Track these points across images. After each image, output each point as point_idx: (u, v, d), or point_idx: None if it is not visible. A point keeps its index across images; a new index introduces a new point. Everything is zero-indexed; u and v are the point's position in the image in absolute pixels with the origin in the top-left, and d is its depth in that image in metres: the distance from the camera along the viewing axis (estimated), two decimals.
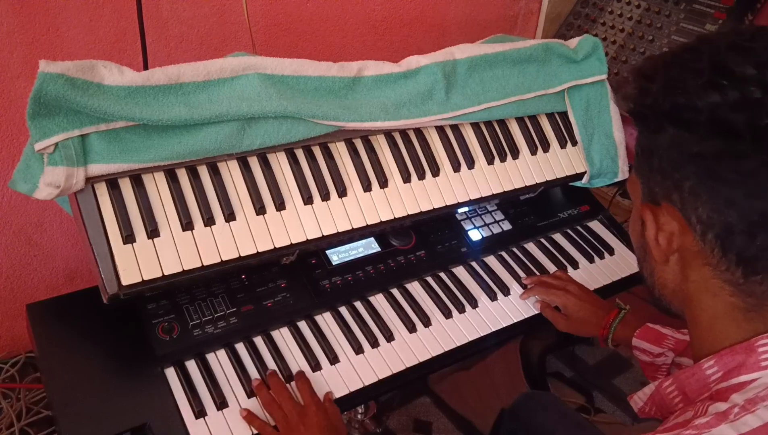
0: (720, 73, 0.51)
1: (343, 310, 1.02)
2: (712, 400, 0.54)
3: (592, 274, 1.21)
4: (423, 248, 1.14)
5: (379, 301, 1.05)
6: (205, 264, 0.87)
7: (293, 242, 0.93)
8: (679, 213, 0.56)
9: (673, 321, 0.79)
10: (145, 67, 1.04)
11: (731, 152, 0.50)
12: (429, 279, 1.11)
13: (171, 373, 0.88)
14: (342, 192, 0.99)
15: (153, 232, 0.85)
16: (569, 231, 1.30)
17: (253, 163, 0.95)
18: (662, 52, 0.60)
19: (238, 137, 0.90)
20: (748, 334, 0.56)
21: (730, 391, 0.54)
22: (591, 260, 1.24)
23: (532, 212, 1.29)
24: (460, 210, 1.19)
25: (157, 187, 0.88)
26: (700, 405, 0.55)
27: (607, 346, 1.04)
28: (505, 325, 1.07)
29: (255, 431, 0.84)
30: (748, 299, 0.55)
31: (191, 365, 0.89)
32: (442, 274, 1.12)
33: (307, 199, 0.96)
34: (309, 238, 0.94)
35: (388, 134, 1.06)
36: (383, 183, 1.03)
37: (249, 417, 0.84)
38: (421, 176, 1.07)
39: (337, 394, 0.91)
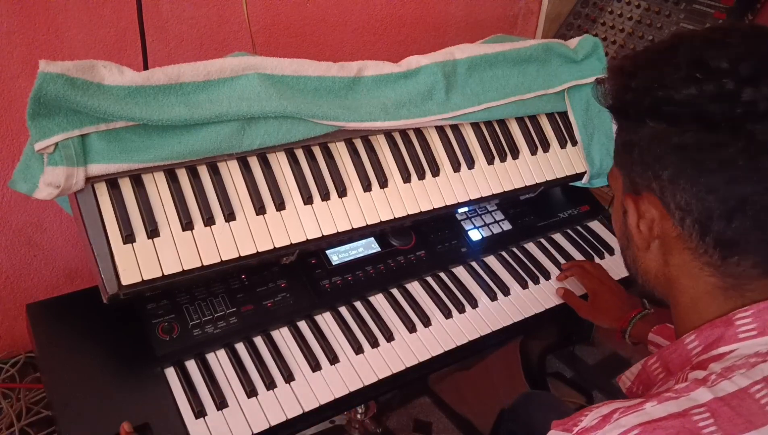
0: (696, 68, 0.53)
1: (343, 310, 1.02)
2: (692, 370, 0.56)
3: None
4: (423, 248, 1.14)
5: (379, 301, 1.05)
6: (205, 264, 0.87)
7: (293, 242, 0.93)
8: (659, 201, 0.59)
9: None
10: (145, 67, 1.04)
11: (710, 142, 0.53)
12: (429, 279, 1.11)
13: (171, 373, 0.88)
14: (342, 192, 0.99)
15: (153, 232, 0.85)
16: (569, 231, 1.30)
17: (253, 163, 0.95)
18: (641, 50, 0.62)
19: (238, 137, 0.90)
20: (727, 311, 0.58)
21: (710, 361, 0.56)
22: (591, 260, 1.24)
23: (532, 212, 1.29)
24: (460, 210, 1.19)
25: (157, 187, 0.88)
26: (681, 374, 0.57)
27: (623, 337, 1.05)
28: (505, 325, 1.07)
29: (256, 431, 0.84)
30: (726, 279, 0.58)
31: (191, 365, 0.89)
32: (442, 274, 1.12)
33: (307, 199, 0.96)
34: (309, 238, 0.94)
35: (388, 134, 1.06)
36: (383, 183, 1.03)
37: None
38: (421, 176, 1.07)
39: (337, 394, 0.91)
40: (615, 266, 1.24)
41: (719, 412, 0.50)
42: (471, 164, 1.12)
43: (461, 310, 1.07)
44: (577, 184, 1.28)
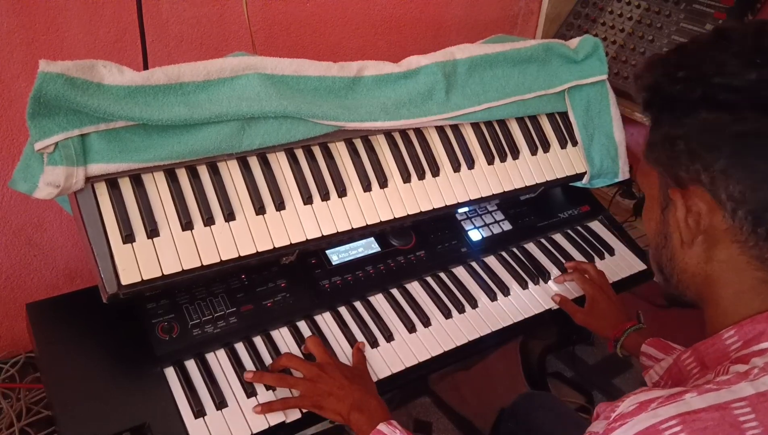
0: (756, 53, 0.53)
1: (343, 310, 1.02)
2: (732, 364, 0.56)
3: None
4: (423, 248, 1.14)
5: (378, 301, 1.05)
6: (204, 264, 0.87)
7: (293, 242, 0.93)
8: (708, 193, 0.58)
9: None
10: (145, 67, 1.04)
11: None
12: (429, 279, 1.11)
13: (170, 373, 0.88)
14: (342, 192, 0.99)
15: (153, 232, 0.85)
16: (569, 231, 1.30)
17: (253, 163, 0.95)
18: (679, 44, 0.62)
19: (238, 137, 0.90)
20: None
21: (751, 356, 0.55)
22: (591, 260, 1.24)
23: (532, 212, 1.29)
24: (460, 210, 1.19)
25: (157, 187, 0.88)
26: (721, 368, 0.57)
27: (614, 349, 1.05)
28: (505, 325, 1.07)
29: (255, 431, 0.84)
30: None
31: (191, 365, 0.89)
32: (442, 274, 1.12)
33: (307, 199, 0.96)
34: (309, 238, 0.94)
35: (388, 134, 1.06)
36: (383, 183, 1.03)
37: (266, 407, 0.84)
38: (421, 176, 1.07)
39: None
40: (615, 267, 1.24)
41: (760, 407, 0.50)
42: (471, 164, 1.12)
43: (461, 310, 1.07)
44: (578, 184, 1.28)
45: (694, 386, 0.53)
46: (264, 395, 0.88)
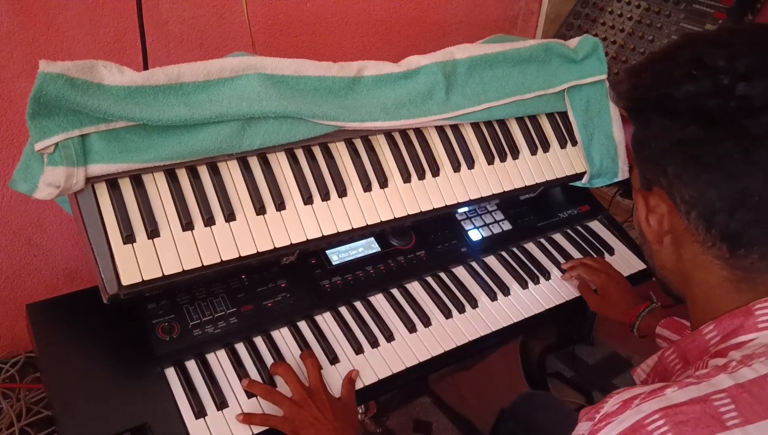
0: (695, 65, 0.55)
1: (343, 310, 1.02)
2: (711, 358, 0.57)
3: None
4: (423, 248, 1.14)
5: (379, 301, 1.05)
6: (205, 264, 0.87)
7: (293, 242, 0.93)
8: (667, 196, 0.60)
9: None
10: (145, 67, 1.04)
11: (709, 137, 0.55)
12: (429, 279, 1.11)
13: (171, 373, 0.88)
14: (342, 192, 0.99)
15: (153, 232, 0.85)
16: (569, 231, 1.30)
17: (253, 163, 0.95)
18: (653, 51, 0.63)
19: (238, 137, 0.90)
20: (742, 303, 0.59)
21: (729, 349, 0.57)
22: None
23: (532, 212, 1.29)
24: (460, 210, 1.19)
25: (157, 187, 0.88)
26: (700, 362, 0.58)
27: (632, 331, 1.07)
28: (505, 325, 1.07)
29: (256, 432, 0.84)
30: (736, 272, 0.59)
31: (191, 365, 0.89)
32: (442, 274, 1.12)
33: (307, 199, 0.96)
34: (309, 238, 0.94)
35: (388, 134, 1.06)
36: (383, 183, 1.03)
37: (247, 419, 0.84)
38: (421, 176, 1.07)
39: (337, 395, 0.91)
40: (615, 266, 1.23)
41: (740, 398, 0.51)
42: (471, 164, 1.12)
43: (461, 310, 1.07)
44: (577, 184, 1.28)
45: (675, 381, 0.54)
46: None
